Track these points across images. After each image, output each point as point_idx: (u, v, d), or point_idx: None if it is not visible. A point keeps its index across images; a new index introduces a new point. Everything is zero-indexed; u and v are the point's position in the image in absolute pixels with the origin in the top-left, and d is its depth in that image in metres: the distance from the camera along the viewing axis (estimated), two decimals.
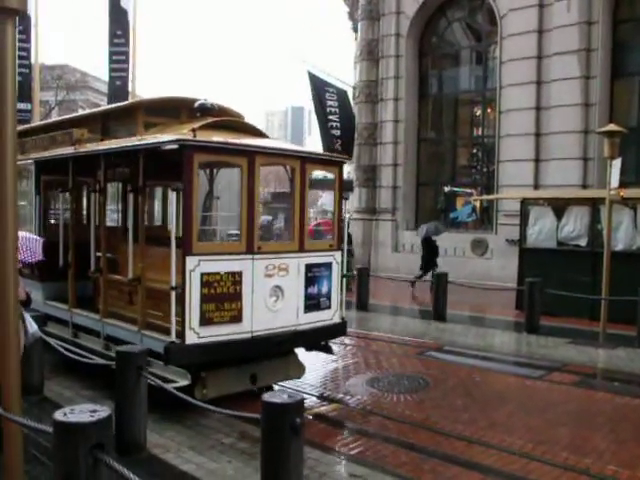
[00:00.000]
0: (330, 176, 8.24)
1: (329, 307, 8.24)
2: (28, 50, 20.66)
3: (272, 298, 7.54)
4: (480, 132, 23.49)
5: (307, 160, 7.81)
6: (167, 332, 7.12)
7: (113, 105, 8.49)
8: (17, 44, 4.25)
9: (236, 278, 7.19)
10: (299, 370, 8.28)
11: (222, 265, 7.07)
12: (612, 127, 12.12)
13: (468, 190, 23.76)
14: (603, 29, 18.14)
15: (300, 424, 3.92)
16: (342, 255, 8.38)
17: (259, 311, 7.36)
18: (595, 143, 17.51)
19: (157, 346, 7.04)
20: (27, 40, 20.37)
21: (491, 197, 20.25)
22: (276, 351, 7.71)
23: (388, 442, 6.54)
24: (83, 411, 3.35)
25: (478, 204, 22.80)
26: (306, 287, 7.88)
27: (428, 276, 17.32)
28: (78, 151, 8.41)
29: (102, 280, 8.15)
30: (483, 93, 22.44)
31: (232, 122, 8.07)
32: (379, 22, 23.34)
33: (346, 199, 8.44)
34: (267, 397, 4.20)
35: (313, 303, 8.02)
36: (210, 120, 7.75)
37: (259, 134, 8.38)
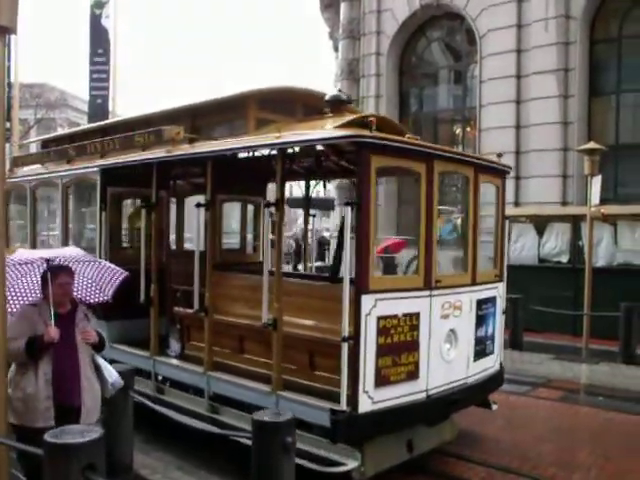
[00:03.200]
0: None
1: (492, 352, 6.37)
2: (8, 68, 19.54)
3: (446, 345, 5.67)
4: (460, 150, 22.55)
5: (480, 169, 5.85)
6: (309, 392, 5.33)
7: (209, 98, 6.66)
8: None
9: (413, 322, 5.28)
10: (452, 431, 6.26)
11: (400, 305, 5.03)
12: (592, 145, 11.92)
13: (449, 208, 22.89)
14: (580, 49, 17.97)
15: (291, 443, 3.74)
16: (504, 287, 6.69)
17: (434, 363, 5.32)
18: (574, 161, 17.11)
19: (313, 416, 5.17)
20: (7, 58, 19.26)
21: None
22: (450, 413, 5.94)
23: None
24: (74, 432, 3.18)
25: (459, 222, 22.20)
26: (476, 329, 6.16)
27: None
28: (182, 153, 6.16)
29: (207, 322, 6.21)
30: (463, 112, 21.75)
31: (376, 119, 6.29)
32: (359, 41, 22.63)
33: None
34: (258, 416, 3.98)
35: (481, 349, 6.04)
36: (351, 117, 5.96)
37: (402, 133, 6.23)
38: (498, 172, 6.26)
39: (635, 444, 6.82)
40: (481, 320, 5.95)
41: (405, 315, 5.09)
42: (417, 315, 5.18)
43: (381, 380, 4.93)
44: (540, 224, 14.58)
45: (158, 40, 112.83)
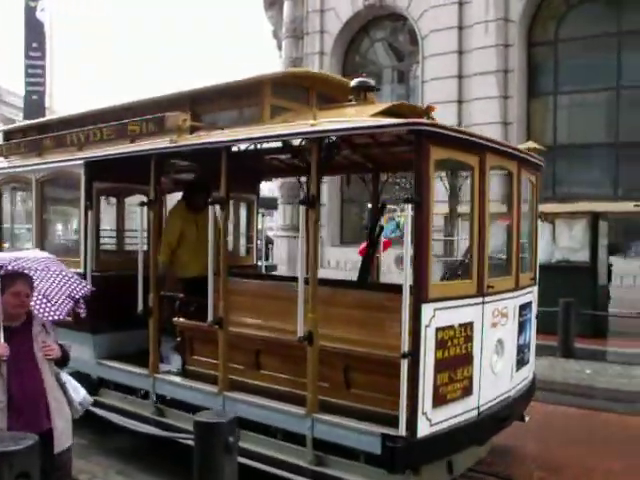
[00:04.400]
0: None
1: (529, 361, 5.96)
2: None
3: (494, 356, 5.20)
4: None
5: (522, 163, 5.24)
6: (345, 413, 4.71)
7: (212, 83, 5.93)
8: None
9: (467, 332, 4.70)
10: (487, 447, 5.88)
11: (456, 314, 4.40)
12: (531, 144, 11.88)
13: (392, 207, 22.71)
14: (519, 51, 18.20)
15: (233, 443, 3.67)
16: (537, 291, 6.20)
17: (485, 377, 4.73)
18: None
19: (360, 441, 4.44)
20: None
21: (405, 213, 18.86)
22: (501, 429, 5.36)
23: None
24: (6, 439, 3.02)
25: (402, 220, 22.09)
26: (517, 336, 5.68)
27: None
28: (201, 141, 5.33)
29: (223, 335, 5.27)
30: None
31: (405, 107, 5.71)
32: (303, 40, 22.27)
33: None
34: (200, 417, 3.86)
35: (521, 357, 5.56)
36: (385, 105, 5.34)
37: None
38: (536, 167, 5.77)
39: (573, 435, 6.76)
40: (521, 327, 5.46)
41: (461, 325, 4.52)
42: (471, 325, 4.60)
43: (439, 399, 4.32)
44: None
45: (140, 56, 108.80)
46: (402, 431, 4.14)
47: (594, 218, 12.71)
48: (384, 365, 4.55)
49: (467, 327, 4.56)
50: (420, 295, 4.17)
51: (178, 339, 5.96)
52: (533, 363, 5.89)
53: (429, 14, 19.74)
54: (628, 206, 13.56)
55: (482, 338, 4.71)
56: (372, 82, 5.47)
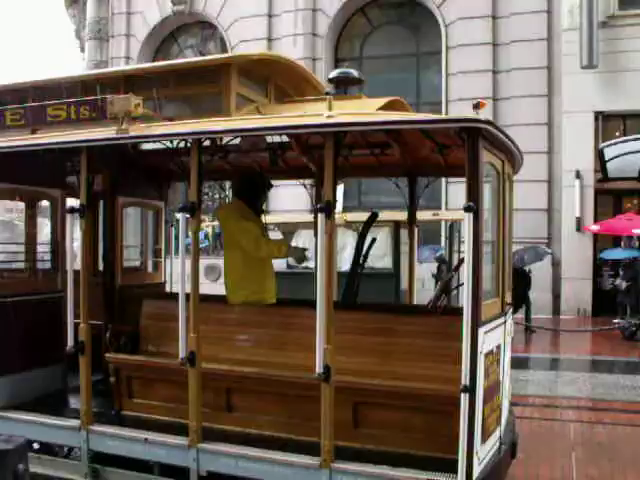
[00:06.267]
0: None
1: None
2: None
3: (507, 379, 4.76)
4: None
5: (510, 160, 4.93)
6: (354, 457, 3.95)
7: (167, 62, 4.83)
8: None
9: (498, 356, 4.27)
10: None
11: (493, 337, 3.86)
12: None
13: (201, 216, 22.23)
14: (326, 66, 18.81)
15: (24, 470, 3.32)
16: None
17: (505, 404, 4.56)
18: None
19: None
20: None
21: (215, 223, 17.96)
22: (513, 458, 4.88)
23: None
24: None
25: (210, 230, 21.59)
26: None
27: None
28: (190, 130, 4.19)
29: (194, 375, 4.14)
30: None
31: (399, 104, 5.02)
32: (108, 43, 21.19)
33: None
34: None
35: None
36: (386, 99, 4.65)
37: None
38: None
39: None
40: None
41: (496, 349, 4.04)
42: (499, 347, 4.16)
43: (485, 434, 3.81)
44: (288, 231, 14.33)
45: None
46: (462, 477, 3.53)
47: (395, 226, 12.75)
48: (413, 400, 3.92)
49: (498, 350, 4.09)
50: (476, 318, 3.60)
51: (111, 379, 4.75)
52: None
53: (239, 24, 19.66)
54: (427, 215, 13.79)
55: (503, 361, 4.28)
56: (356, 74, 4.76)
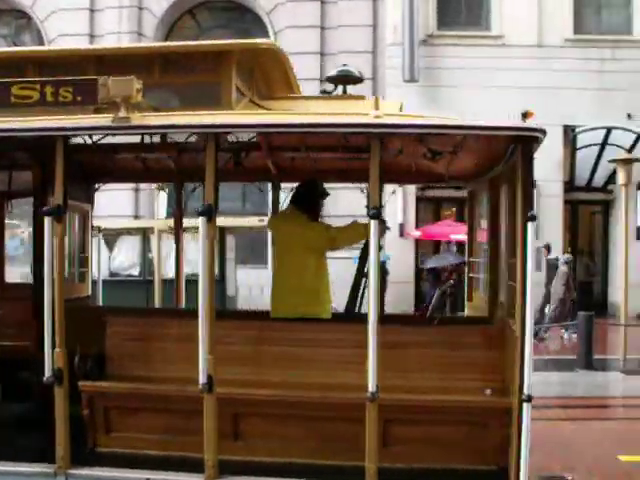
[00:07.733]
0: None
1: None
2: None
3: None
4: None
5: None
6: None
7: (154, 44, 4.10)
8: None
9: None
10: None
11: None
12: None
13: (15, 222, 20.84)
14: None
15: None
16: None
17: None
18: None
19: None
20: None
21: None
22: None
23: None
24: None
25: (25, 236, 19.67)
26: None
27: None
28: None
29: (210, 402, 3.62)
30: None
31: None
32: None
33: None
34: None
35: None
36: (399, 102, 4.40)
37: None
38: None
39: None
40: None
41: None
42: None
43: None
44: (110, 238, 13.46)
45: None
46: None
47: (222, 233, 12.67)
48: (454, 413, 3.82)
49: None
50: (524, 326, 3.58)
51: (85, 411, 4.08)
52: None
53: (56, 17, 18.30)
54: (254, 221, 13.86)
55: None
56: (357, 73, 4.54)
